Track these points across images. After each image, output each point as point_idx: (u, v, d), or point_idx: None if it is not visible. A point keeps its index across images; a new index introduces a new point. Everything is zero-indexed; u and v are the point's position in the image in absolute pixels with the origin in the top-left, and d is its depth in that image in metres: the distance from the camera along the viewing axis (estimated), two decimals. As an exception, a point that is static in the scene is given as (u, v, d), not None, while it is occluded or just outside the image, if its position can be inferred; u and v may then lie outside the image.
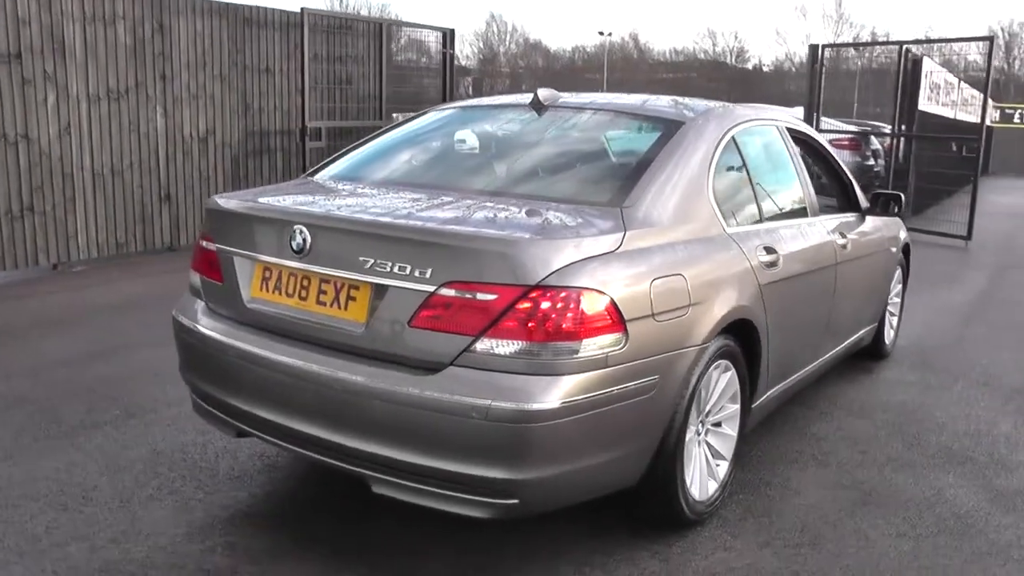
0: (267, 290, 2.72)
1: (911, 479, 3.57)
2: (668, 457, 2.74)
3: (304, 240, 2.56)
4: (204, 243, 2.96)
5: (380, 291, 2.45)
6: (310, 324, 2.60)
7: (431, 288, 2.36)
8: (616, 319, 2.40)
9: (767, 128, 3.78)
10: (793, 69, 65.33)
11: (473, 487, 2.36)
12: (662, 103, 3.52)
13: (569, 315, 2.30)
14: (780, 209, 3.63)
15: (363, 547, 2.82)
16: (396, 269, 2.40)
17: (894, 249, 4.98)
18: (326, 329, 2.56)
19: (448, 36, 10.40)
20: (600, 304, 2.36)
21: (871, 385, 4.85)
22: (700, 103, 3.54)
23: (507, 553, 2.81)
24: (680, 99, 3.63)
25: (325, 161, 3.54)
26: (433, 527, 2.90)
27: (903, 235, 5.21)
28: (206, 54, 8.00)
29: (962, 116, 15.21)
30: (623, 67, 64.99)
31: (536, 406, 2.26)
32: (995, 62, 12.60)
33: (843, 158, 12.64)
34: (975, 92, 16.26)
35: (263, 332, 2.70)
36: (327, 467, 2.61)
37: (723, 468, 3.12)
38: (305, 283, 2.62)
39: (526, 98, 3.50)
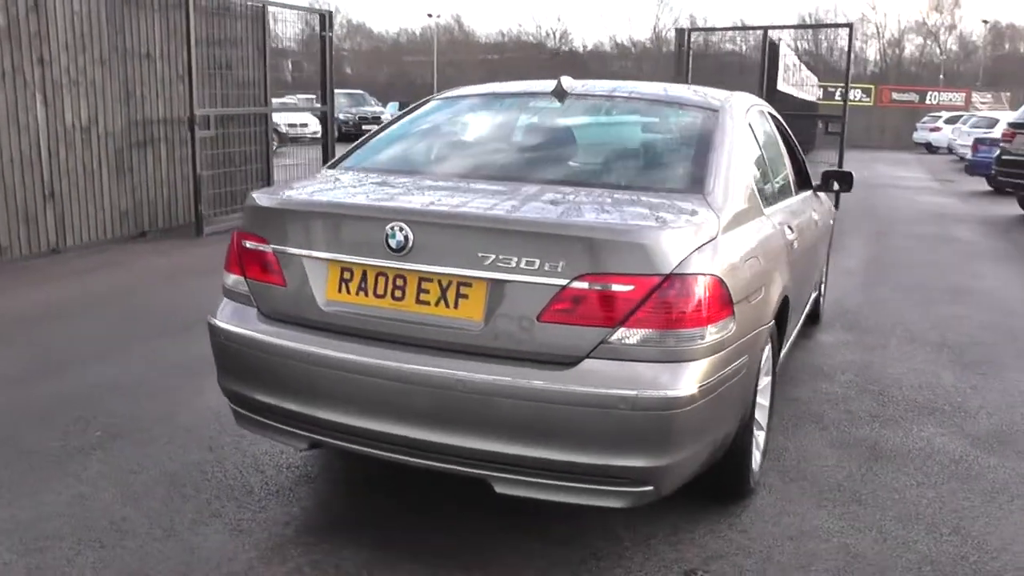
0: (348, 291, 2.56)
1: (900, 433, 3.87)
2: (747, 431, 2.85)
3: (405, 238, 2.43)
4: (251, 244, 2.73)
5: (499, 287, 2.38)
6: (410, 325, 2.48)
7: (563, 282, 2.32)
8: (728, 303, 2.46)
9: (763, 111, 3.96)
10: (615, 50, 67.88)
11: (609, 477, 2.36)
12: (681, 90, 3.60)
13: (698, 301, 2.34)
14: (782, 188, 3.81)
15: (462, 547, 2.75)
16: (523, 264, 2.33)
17: (832, 221, 5.37)
18: (432, 329, 2.45)
19: (327, 18, 10.03)
20: (718, 289, 2.41)
21: (818, 348, 5.20)
22: (708, 90, 3.65)
23: (602, 541, 2.82)
24: (688, 86, 3.73)
25: (348, 152, 3.36)
26: (525, 519, 2.87)
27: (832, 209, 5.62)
28: (85, 36, 7.30)
29: (803, 95, 16.43)
30: (449, 50, 65.02)
31: (679, 392, 2.30)
32: (805, 45, 13.60)
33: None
34: (810, 73, 17.57)
35: (346, 336, 2.55)
36: (434, 471, 2.52)
37: (762, 437, 3.27)
38: (400, 283, 2.49)
39: (546, 85, 3.47)
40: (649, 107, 3.37)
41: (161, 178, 8.18)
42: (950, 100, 41.50)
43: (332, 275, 2.58)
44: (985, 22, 59.19)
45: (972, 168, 14.52)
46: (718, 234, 2.55)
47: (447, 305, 2.43)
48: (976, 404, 4.27)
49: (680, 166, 2.97)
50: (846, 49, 11.62)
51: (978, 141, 15.32)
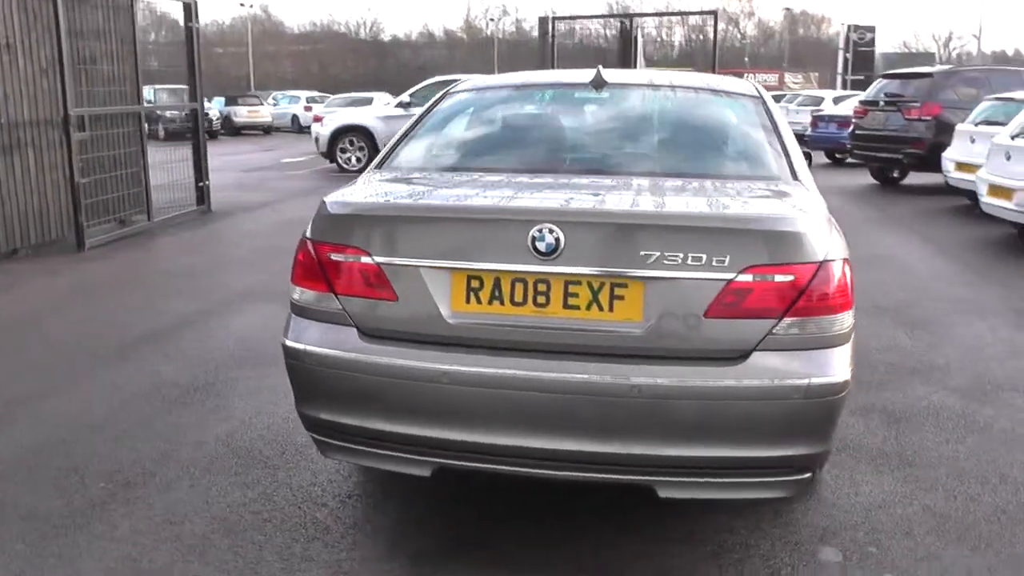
0: (479, 301, 2.34)
1: (899, 395, 4.09)
2: None
3: (556, 240, 2.25)
4: (343, 256, 2.44)
5: (660, 285, 2.27)
6: (556, 332, 2.31)
7: (730, 276, 2.25)
8: (852, 286, 2.49)
9: None
10: (428, 39, 67.72)
11: (774, 468, 2.34)
12: (713, 78, 3.62)
13: (843, 286, 2.35)
14: None
15: (591, 555, 2.61)
16: (689, 260, 2.24)
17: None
18: (584, 335, 2.30)
19: (192, 8, 9.29)
20: (850, 273, 2.43)
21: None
22: (726, 77, 3.67)
23: (725, 534, 2.79)
24: (710, 75, 3.73)
25: (389, 152, 3.08)
26: (633, 523, 2.79)
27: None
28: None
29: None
30: (260, 41, 62.37)
31: (841, 377, 2.31)
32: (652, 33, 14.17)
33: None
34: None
35: (478, 350, 2.35)
36: (585, 483, 2.39)
37: None
38: (542, 288, 2.31)
39: (582, 75, 3.35)
40: (698, 96, 3.33)
41: (30, 188, 7.26)
42: (765, 81, 44.58)
43: (457, 285, 2.36)
44: (788, 10, 63.99)
45: (812, 143, 15.67)
46: (829, 219, 2.56)
47: (600, 308, 2.29)
48: (942, 361, 4.59)
49: (763, 153, 2.94)
50: (711, 35, 12.19)
51: (816, 118, 16.56)
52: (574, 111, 3.27)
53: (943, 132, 10.67)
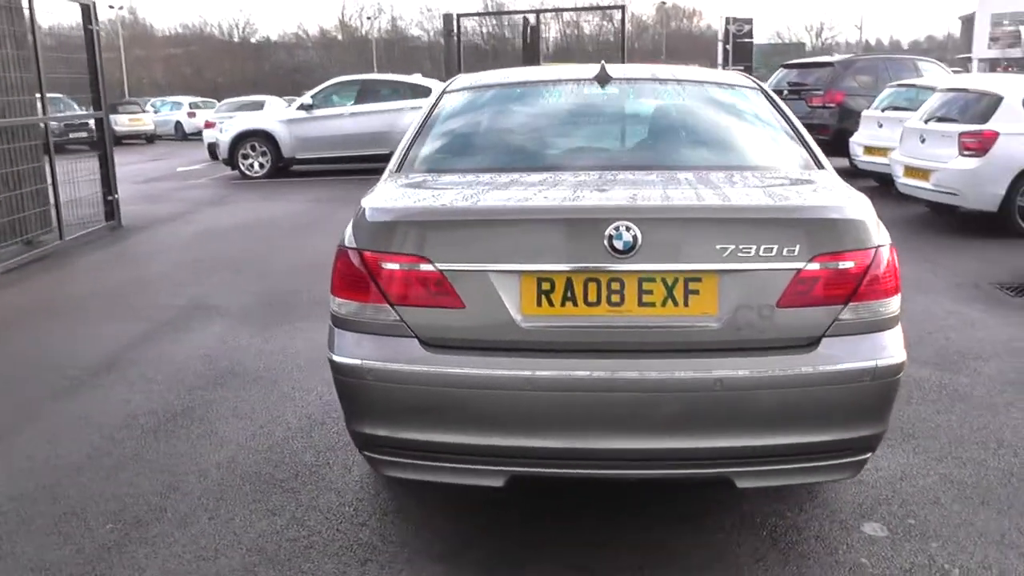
0: (551, 304, 2.28)
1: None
2: None
3: (634, 237, 2.22)
4: (399, 264, 2.33)
5: (733, 278, 2.28)
6: (632, 331, 2.29)
7: (800, 265, 2.28)
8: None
9: None
10: (305, 40, 66.25)
11: (843, 451, 2.39)
12: (707, 71, 3.66)
13: (894, 270, 2.42)
14: None
15: (654, 551, 2.60)
16: (761, 251, 2.25)
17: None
18: (660, 332, 2.29)
19: (91, 11, 8.73)
20: (896, 258, 2.50)
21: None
22: (718, 70, 3.73)
23: (774, 518, 2.82)
24: (698, 68, 3.77)
25: (406, 154, 2.95)
26: (677, 512, 2.79)
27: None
28: None
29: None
30: (130, 45, 59.49)
31: (901, 358, 2.38)
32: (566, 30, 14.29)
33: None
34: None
35: (553, 354, 2.29)
36: (662, 480, 2.37)
37: None
38: (616, 287, 2.27)
39: (585, 71, 3.32)
40: (705, 88, 3.34)
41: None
42: (645, 73, 45.55)
43: (527, 288, 2.29)
44: (664, 2, 65.78)
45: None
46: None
47: (676, 304, 2.28)
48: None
49: (787, 142, 2.96)
50: (618, 29, 12.38)
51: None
52: (591, 107, 3.23)
53: (846, 118, 11.23)
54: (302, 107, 13.98)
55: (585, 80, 3.27)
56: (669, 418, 2.27)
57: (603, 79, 3.23)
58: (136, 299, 6.07)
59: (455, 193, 2.51)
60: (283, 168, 14.01)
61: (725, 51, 43.29)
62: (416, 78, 15.77)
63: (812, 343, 2.33)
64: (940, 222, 8.21)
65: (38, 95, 7.90)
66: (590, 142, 3.12)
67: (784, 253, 2.27)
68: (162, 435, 3.65)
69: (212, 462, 3.36)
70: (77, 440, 3.63)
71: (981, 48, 51.81)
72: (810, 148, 2.93)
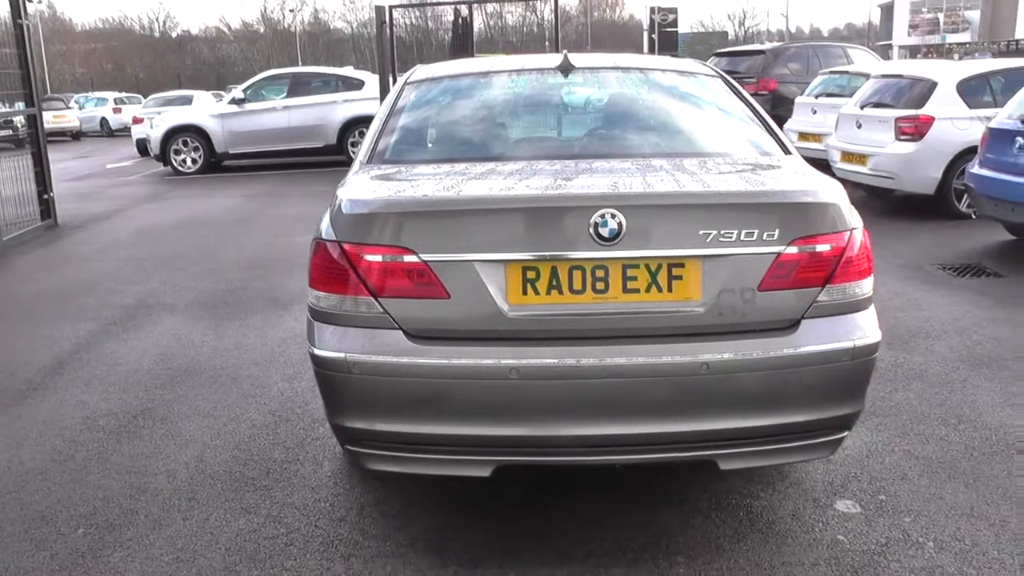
0: (536, 292, 2.27)
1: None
2: None
3: (619, 224, 2.23)
4: (383, 256, 2.29)
5: (715, 263, 2.30)
6: (617, 317, 2.30)
7: (779, 249, 2.32)
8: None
9: None
10: (231, 34, 64.85)
11: (823, 430, 2.44)
12: (666, 59, 3.69)
13: (867, 253, 2.48)
14: None
15: (666, 538, 2.63)
16: (743, 236, 2.29)
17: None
18: (645, 317, 2.30)
19: (20, 4, 8.37)
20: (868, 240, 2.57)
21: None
22: (673, 58, 3.76)
23: (752, 500, 2.88)
24: (656, 57, 3.80)
25: (374, 145, 2.88)
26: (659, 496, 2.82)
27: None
28: None
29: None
30: (49, 40, 57.25)
31: (876, 338, 2.44)
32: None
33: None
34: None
35: (540, 342, 2.29)
36: (650, 464, 2.39)
37: None
38: (601, 274, 2.28)
39: (547, 60, 3.31)
40: (667, 75, 3.36)
41: None
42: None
43: (513, 277, 2.28)
44: (588, -7, 65.96)
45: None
46: None
47: (659, 290, 2.30)
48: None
49: (753, 129, 2.99)
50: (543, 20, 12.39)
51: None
52: (557, 96, 3.23)
53: (779, 104, 11.48)
54: (234, 101, 13.68)
55: (548, 69, 3.27)
56: (657, 403, 2.30)
57: (566, 68, 3.23)
58: (82, 299, 5.87)
59: (434, 183, 2.48)
60: (215, 163, 13.70)
61: (651, 40, 43.86)
62: (348, 71, 15.61)
63: (792, 325, 2.38)
64: (877, 206, 8.46)
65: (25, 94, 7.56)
66: (559, 131, 3.13)
67: (764, 237, 2.31)
68: (125, 436, 3.54)
69: (179, 462, 3.28)
70: (39, 444, 3.50)
71: (901, 35, 53.42)
72: (775, 134, 2.98)
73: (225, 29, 65.86)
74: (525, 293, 2.29)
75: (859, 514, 2.79)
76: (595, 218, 2.24)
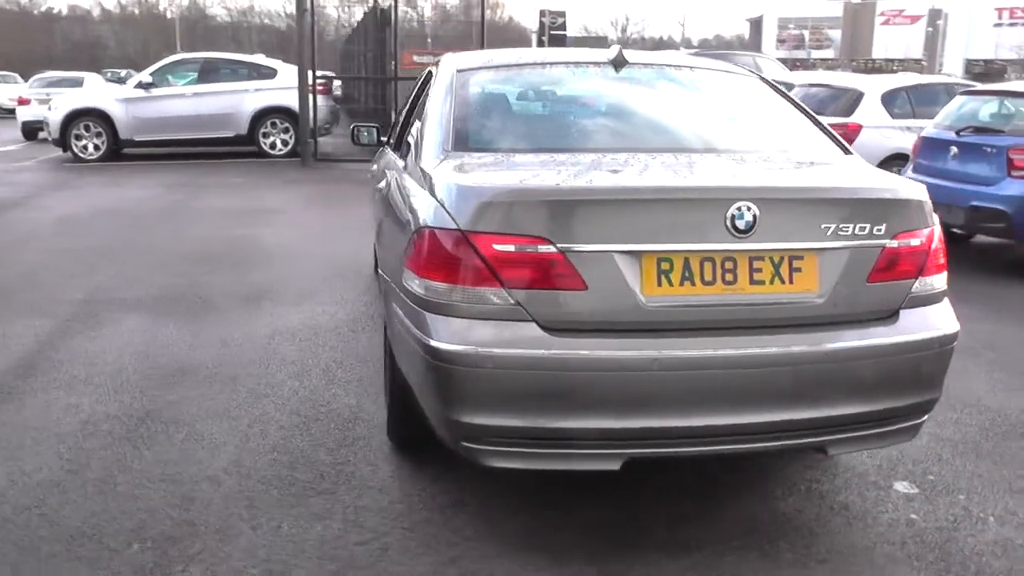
0: (670, 284, 2.28)
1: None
2: None
3: (754, 217, 2.27)
4: (516, 246, 2.24)
5: (831, 256, 2.38)
6: (743, 308, 2.35)
7: (884, 243, 2.43)
8: None
9: None
10: (104, 15, 61.46)
11: (913, 415, 2.57)
12: (705, 59, 3.80)
13: (944, 246, 2.64)
14: None
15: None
16: (856, 230, 2.38)
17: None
18: (769, 308, 2.36)
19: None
20: None
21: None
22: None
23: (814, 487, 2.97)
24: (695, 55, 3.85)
25: (450, 134, 2.79)
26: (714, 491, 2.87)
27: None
28: None
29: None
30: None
31: (957, 327, 2.60)
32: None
33: (320, 101, 13.07)
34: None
35: (673, 333, 2.29)
36: (766, 452, 2.43)
37: None
38: (730, 265, 2.31)
39: (598, 54, 3.31)
40: (714, 75, 3.40)
41: None
42: (464, 62, 46.01)
43: (648, 268, 2.27)
44: (471, -9, 66.02)
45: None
46: None
47: (782, 281, 2.35)
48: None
49: (813, 130, 3.09)
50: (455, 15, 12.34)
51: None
52: (623, 88, 3.23)
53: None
54: (140, 85, 12.93)
55: (603, 63, 3.27)
56: (782, 391, 2.35)
57: (619, 63, 3.24)
58: (24, 294, 5.41)
59: (554, 173, 2.44)
60: (117, 150, 12.91)
61: (541, 43, 44.60)
62: (259, 58, 15.10)
63: (892, 315, 2.49)
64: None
65: None
66: (636, 124, 3.12)
67: (873, 232, 2.41)
68: (140, 442, 3.29)
69: (217, 467, 3.08)
70: (39, 453, 3.20)
71: (769, 48, 56.28)
72: (831, 134, 3.09)
73: (97, 9, 62.27)
74: (660, 284, 2.29)
75: (919, 494, 2.94)
76: (732, 210, 2.27)
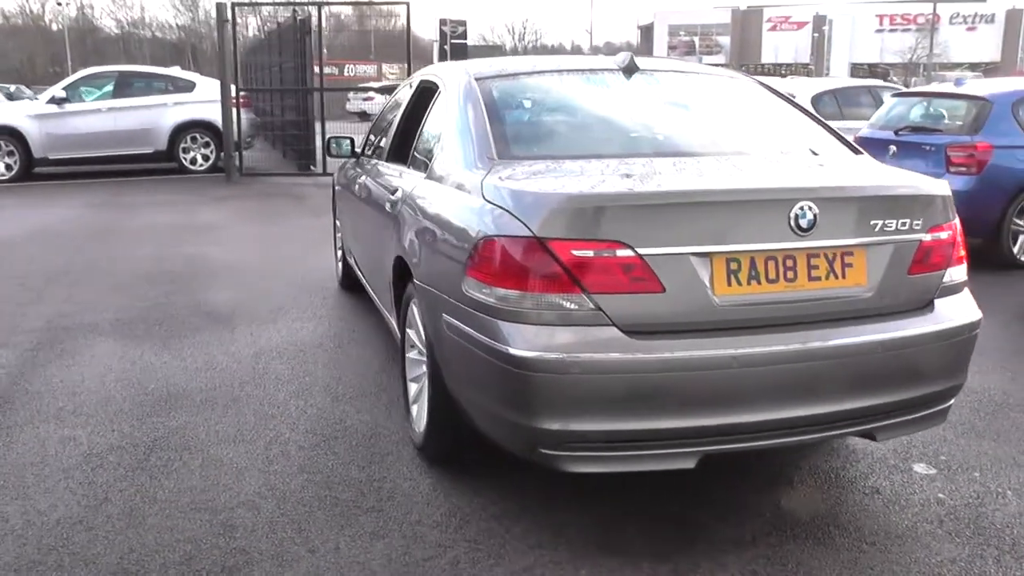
0: (739, 283, 2.35)
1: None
2: None
3: (815, 216, 2.37)
4: (594, 251, 2.27)
5: (877, 250, 2.51)
6: (803, 304, 2.44)
7: (921, 236, 2.57)
8: None
9: None
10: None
11: (945, 399, 2.71)
12: (707, 66, 3.90)
13: (963, 239, 2.80)
14: None
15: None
16: (900, 226, 2.51)
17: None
18: (825, 303, 2.47)
19: None
20: None
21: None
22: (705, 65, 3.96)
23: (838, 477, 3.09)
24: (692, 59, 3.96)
25: (490, 141, 2.80)
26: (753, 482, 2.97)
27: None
28: None
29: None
30: None
31: (979, 314, 2.76)
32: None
33: (243, 115, 12.83)
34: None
35: (743, 331, 2.37)
36: (820, 441, 2.56)
37: None
38: (790, 263, 2.40)
39: (606, 61, 3.37)
40: (719, 80, 3.52)
41: None
42: (364, 72, 45.64)
43: (718, 269, 2.34)
44: (359, 3, 65.25)
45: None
46: None
47: (836, 277, 2.47)
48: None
49: (824, 129, 3.21)
50: (404, 26, 12.28)
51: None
52: (645, 94, 3.30)
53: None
54: (53, 100, 12.32)
55: (615, 69, 3.33)
56: (844, 381, 2.46)
57: (630, 69, 3.31)
58: (-29, 322, 5.09)
59: (617, 179, 2.49)
60: (30, 169, 12.27)
61: (443, 51, 44.60)
62: (175, 71, 14.63)
63: (928, 305, 2.64)
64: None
65: None
66: (666, 128, 3.19)
67: (913, 227, 2.56)
68: (156, 472, 3.15)
69: (249, 492, 2.98)
70: (50, 491, 3.03)
71: (661, 55, 57.96)
72: (837, 135, 3.23)
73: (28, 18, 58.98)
74: (730, 284, 2.37)
75: (939, 474, 3.09)
76: (795, 210, 2.37)
